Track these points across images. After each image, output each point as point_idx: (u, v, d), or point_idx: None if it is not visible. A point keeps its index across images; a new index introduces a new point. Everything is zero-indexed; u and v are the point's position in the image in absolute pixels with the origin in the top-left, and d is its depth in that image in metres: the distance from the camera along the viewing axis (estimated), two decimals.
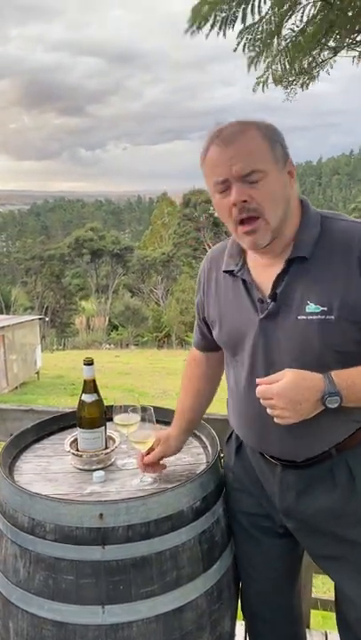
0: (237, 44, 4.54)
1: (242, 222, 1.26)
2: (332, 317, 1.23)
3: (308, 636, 2.16)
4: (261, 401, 1.23)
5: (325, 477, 1.36)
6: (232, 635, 1.57)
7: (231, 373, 1.48)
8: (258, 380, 1.24)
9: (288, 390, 1.18)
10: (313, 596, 2.24)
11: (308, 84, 5.03)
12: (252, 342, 1.34)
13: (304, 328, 1.25)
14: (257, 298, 1.34)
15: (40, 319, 19.01)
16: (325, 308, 1.23)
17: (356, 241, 1.25)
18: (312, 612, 2.27)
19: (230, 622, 1.54)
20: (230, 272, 1.41)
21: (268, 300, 1.30)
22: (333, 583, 1.48)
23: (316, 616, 2.38)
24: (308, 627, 2.21)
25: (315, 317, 1.24)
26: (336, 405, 1.20)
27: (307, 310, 1.25)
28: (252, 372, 1.36)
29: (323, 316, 1.23)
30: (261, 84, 4.92)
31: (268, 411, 1.22)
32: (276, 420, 1.22)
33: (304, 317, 1.25)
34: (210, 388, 1.66)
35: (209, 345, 1.58)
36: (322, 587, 3.34)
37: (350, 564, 1.38)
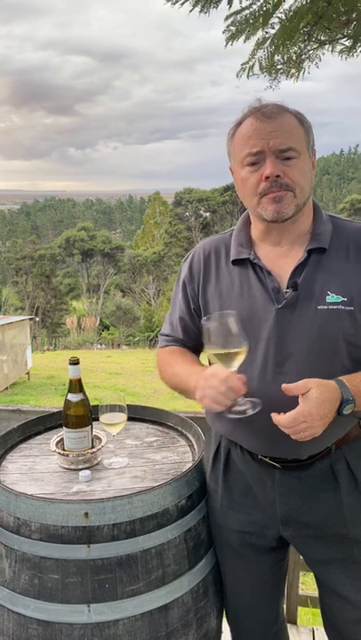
0: (226, 27, 4.44)
1: (268, 193, 1.28)
2: (352, 308, 1.26)
3: (295, 632, 2.17)
4: (286, 430, 1.18)
5: (327, 476, 1.36)
6: (218, 631, 1.58)
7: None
8: (282, 421, 1.18)
9: (318, 408, 1.17)
10: (302, 593, 2.26)
11: (297, 77, 4.97)
12: (267, 333, 1.31)
13: (324, 317, 1.27)
14: (272, 287, 1.32)
15: (31, 319, 18.92)
16: (346, 299, 1.26)
17: None
18: (300, 609, 2.29)
19: (216, 619, 1.55)
20: (241, 260, 1.39)
21: (287, 290, 1.30)
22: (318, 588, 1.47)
23: (306, 613, 2.40)
24: (296, 623, 2.23)
25: (335, 307, 1.26)
26: (350, 412, 1.21)
27: (327, 300, 1.26)
28: (265, 364, 1.32)
29: (343, 307, 1.26)
30: (247, 70, 4.83)
31: (295, 436, 1.19)
32: (300, 438, 1.19)
33: (325, 307, 1.26)
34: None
35: (190, 340, 1.54)
36: (312, 584, 3.36)
37: (353, 564, 1.38)
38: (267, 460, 1.39)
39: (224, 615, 1.62)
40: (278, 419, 1.19)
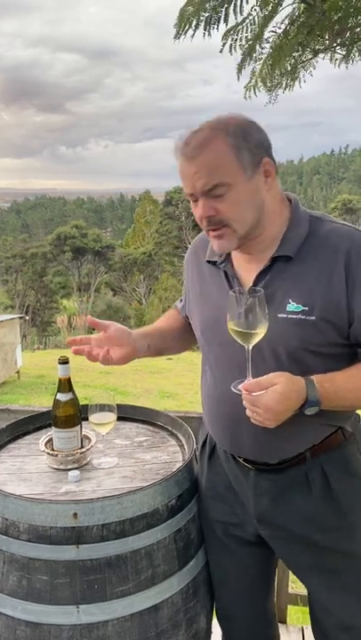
0: (223, 45, 4.51)
1: (209, 231, 1.29)
2: (313, 318, 1.23)
3: (285, 631, 2.18)
4: (245, 404, 1.20)
5: (300, 482, 1.35)
6: (208, 631, 1.58)
7: (207, 369, 1.47)
8: (245, 386, 1.19)
9: (277, 403, 1.17)
10: (291, 591, 2.26)
11: (292, 86, 5.03)
12: (231, 336, 1.30)
13: (283, 326, 1.25)
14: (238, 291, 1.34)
15: (20, 318, 18.82)
16: (306, 308, 1.23)
17: (344, 245, 1.24)
18: (290, 607, 2.30)
19: (206, 619, 1.54)
20: (213, 262, 1.42)
21: (249, 294, 1.30)
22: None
23: (296, 612, 2.40)
24: (285, 622, 2.23)
25: (295, 317, 1.24)
26: (313, 413, 1.21)
27: (287, 309, 1.25)
28: (229, 368, 1.35)
29: (303, 316, 1.23)
30: (252, 89, 4.92)
31: (248, 413, 1.21)
32: (253, 421, 1.21)
33: (284, 316, 1.25)
34: (179, 338, 1.65)
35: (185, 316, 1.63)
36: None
37: (326, 572, 1.38)
38: (240, 460, 1.41)
39: (214, 616, 1.62)
40: (247, 389, 1.19)
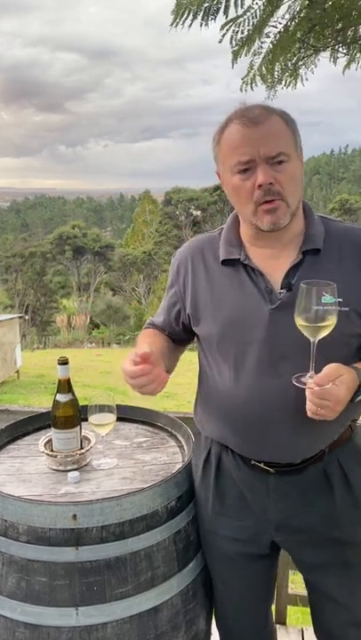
0: (222, 36, 4.45)
1: (263, 203, 1.26)
2: (347, 309, 1.26)
3: (285, 633, 2.18)
4: (311, 400, 1.17)
5: (320, 479, 1.35)
6: (208, 633, 1.58)
7: (222, 373, 1.38)
8: (317, 380, 1.16)
9: (346, 393, 1.17)
10: (291, 592, 2.26)
11: (294, 84, 5.00)
12: (261, 334, 1.30)
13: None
14: (264, 288, 1.31)
15: (20, 317, 18.82)
16: (341, 300, 1.24)
17: None
18: (290, 608, 2.29)
19: (206, 621, 1.54)
20: (232, 261, 1.37)
21: (281, 291, 1.30)
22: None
23: (295, 612, 2.40)
24: (285, 624, 2.23)
25: (331, 308, 1.24)
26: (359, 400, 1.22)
27: (323, 301, 1.24)
28: (259, 366, 1.31)
29: (339, 307, 1.24)
30: (249, 84, 4.88)
31: (311, 408, 1.18)
32: (312, 416, 1.19)
33: (321, 307, 1.24)
34: (170, 356, 1.52)
35: (170, 333, 1.57)
36: (301, 582, 3.36)
37: (347, 567, 1.37)
38: (260, 465, 1.36)
39: (213, 617, 1.62)
40: (320, 383, 1.16)
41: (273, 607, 1.75)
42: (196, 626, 1.47)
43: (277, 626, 2.12)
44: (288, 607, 2.28)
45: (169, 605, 1.38)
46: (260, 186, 1.23)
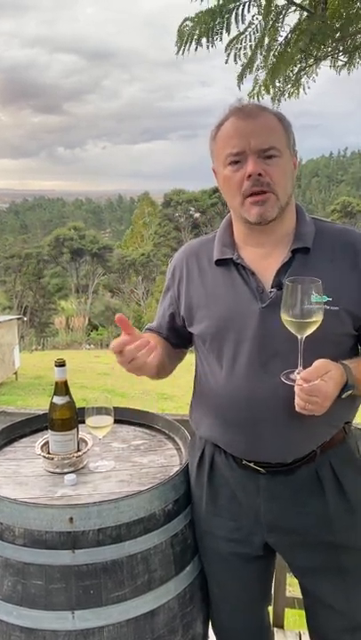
0: (227, 56, 4.51)
1: (251, 195, 1.27)
2: (336, 308, 1.26)
3: (282, 636, 2.17)
4: (300, 393, 1.18)
5: (312, 481, 1.34)
6: (205, 636, 1.57)
7: (214, 372, 1.40)
8: (304, 375, 1.17)
9: (334, 389, 1.19)
10: (289, 595, 2.25)
11: (297, 94, 5.04)
12: (252, 332, 1.31)
13: None
14: (256, 287, 1.32)
15: (19, 319, 18.79)
16: (331, 299, 1.25)
17: (359, 243, 1.32)
18: (287, 611, 2.28)
19: (203, 624, 1.53)
20: (225, 260, 1.38)
21: (272, 289, 1.30)
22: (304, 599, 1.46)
23: (293, 615, 2.39)
24: (283, 627, 2.22)
25: (315, 304, 1.24)
26: (346, 396, 1.24)
27: (312, 300, 1.25)
28: (249, 364, 1.31)
29: (328, 307, 1.25)
30: (255, 97, 4.92)
31: (300, 403, 1.19)
32: (301, 410, 1.20)
33: (310, 306, 1.25)
34: (169, 357, 1.55)
35: (167, 337, 1.57)
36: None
37: (342, 573, 1.36)
38: (251, 465, 1.37)
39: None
40: (308, 379, 1.17)
41: (270, 610, 1.74)
42: (193, 629, 1.46)
43: (275, 629, 2.11)
44: (286, 610, 2.27)
45: (166, 609, 1.38)
46: (249, 176, 1.25)
